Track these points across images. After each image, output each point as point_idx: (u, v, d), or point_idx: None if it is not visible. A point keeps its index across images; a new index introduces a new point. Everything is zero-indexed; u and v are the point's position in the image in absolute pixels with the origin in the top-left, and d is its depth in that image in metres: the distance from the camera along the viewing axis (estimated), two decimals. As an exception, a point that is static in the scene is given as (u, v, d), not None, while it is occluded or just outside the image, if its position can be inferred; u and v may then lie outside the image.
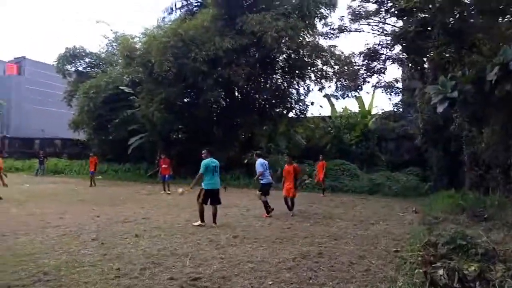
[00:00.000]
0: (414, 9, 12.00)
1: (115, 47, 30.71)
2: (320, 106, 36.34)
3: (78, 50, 31.85)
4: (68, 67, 32.09)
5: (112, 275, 5.11)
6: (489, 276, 4.63)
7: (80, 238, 7.31)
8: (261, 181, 10.78)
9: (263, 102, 24.22)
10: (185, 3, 26.48)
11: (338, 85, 22.09)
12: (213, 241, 7.29)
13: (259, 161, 10.87)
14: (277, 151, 21.38)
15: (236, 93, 24.52)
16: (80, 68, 32.37)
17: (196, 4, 26.25)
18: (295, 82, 23.87)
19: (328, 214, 11.25)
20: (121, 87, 25.61)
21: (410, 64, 16.24)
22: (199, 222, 8.73)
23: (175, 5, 26.39)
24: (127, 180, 22.50)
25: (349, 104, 34.56)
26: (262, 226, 9.13)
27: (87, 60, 32.51)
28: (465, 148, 14.76)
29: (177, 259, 5.97)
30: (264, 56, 21.59)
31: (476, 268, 4.71)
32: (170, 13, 26.55)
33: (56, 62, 31.83)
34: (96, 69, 31.87)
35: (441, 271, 4.73)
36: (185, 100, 23.67)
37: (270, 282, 5.01)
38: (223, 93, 23.86)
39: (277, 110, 24.30)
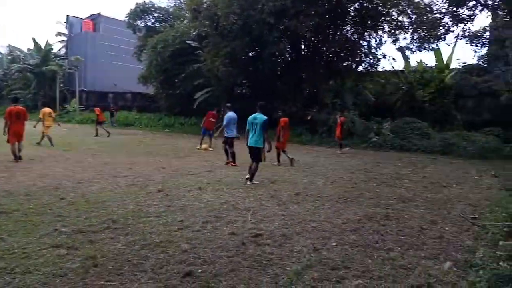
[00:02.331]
0: None
1: (182, 1, 30.76)
2: (393, 59, 33.84)
3: (147, 5, 32.43)
4: (139, 22, 32.90)
5: (175, 227, 5.19)
6: None
7: (146, 189, 7.56)
8: (225, 135, 11.35)
9: (330, 55, 23.12)
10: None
11: (415, 36, 20.31)
12: (275, 197, 7.19)
13: (229, 114, 11.28)
14: (343, 107, 20.51)
15: (303, 46, 23.61)
16: (149, 23, 33.10)
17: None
18: (366, 34, 22.33)
19: (395, 175, 10.64)
20: (187, 41, 25.84)
21: (505, 10, 14.28)
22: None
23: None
24: (192, 133, 23.10)
25: (425, 58, 31.73)
26: (325, 184, 8.85)
27: (156, 15, 33.09)
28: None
29: (239, 214, 5.94)
30: (334, 6, 20.29)
31: None
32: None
33: (127, 18, 32.73)
34: (164, 23, 32.40)
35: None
36: (250, 54, 23.32)
37: (334, 243, 4.76)
38: (288, 46, 23.12)
39: (346, 64, 23.13)
